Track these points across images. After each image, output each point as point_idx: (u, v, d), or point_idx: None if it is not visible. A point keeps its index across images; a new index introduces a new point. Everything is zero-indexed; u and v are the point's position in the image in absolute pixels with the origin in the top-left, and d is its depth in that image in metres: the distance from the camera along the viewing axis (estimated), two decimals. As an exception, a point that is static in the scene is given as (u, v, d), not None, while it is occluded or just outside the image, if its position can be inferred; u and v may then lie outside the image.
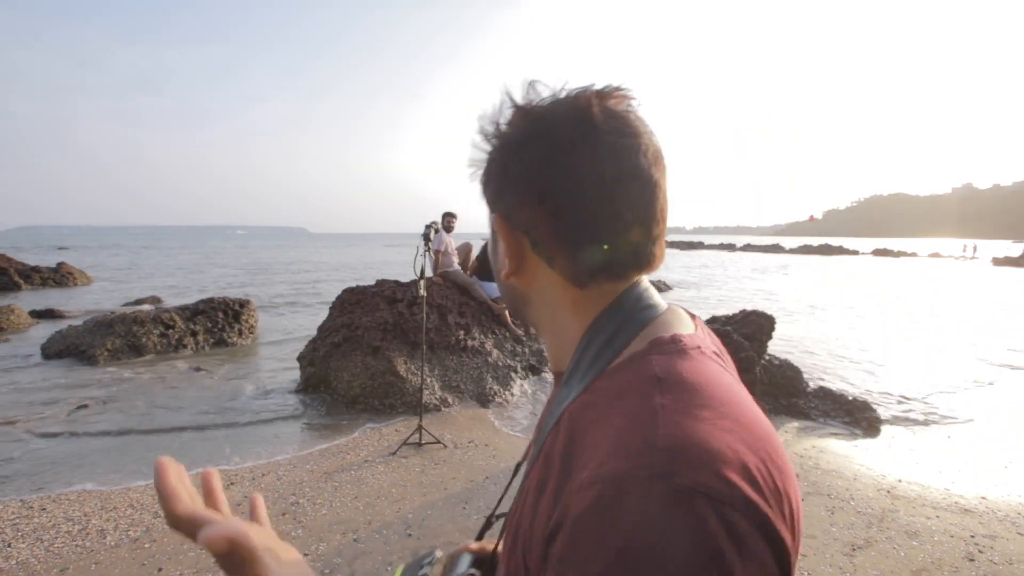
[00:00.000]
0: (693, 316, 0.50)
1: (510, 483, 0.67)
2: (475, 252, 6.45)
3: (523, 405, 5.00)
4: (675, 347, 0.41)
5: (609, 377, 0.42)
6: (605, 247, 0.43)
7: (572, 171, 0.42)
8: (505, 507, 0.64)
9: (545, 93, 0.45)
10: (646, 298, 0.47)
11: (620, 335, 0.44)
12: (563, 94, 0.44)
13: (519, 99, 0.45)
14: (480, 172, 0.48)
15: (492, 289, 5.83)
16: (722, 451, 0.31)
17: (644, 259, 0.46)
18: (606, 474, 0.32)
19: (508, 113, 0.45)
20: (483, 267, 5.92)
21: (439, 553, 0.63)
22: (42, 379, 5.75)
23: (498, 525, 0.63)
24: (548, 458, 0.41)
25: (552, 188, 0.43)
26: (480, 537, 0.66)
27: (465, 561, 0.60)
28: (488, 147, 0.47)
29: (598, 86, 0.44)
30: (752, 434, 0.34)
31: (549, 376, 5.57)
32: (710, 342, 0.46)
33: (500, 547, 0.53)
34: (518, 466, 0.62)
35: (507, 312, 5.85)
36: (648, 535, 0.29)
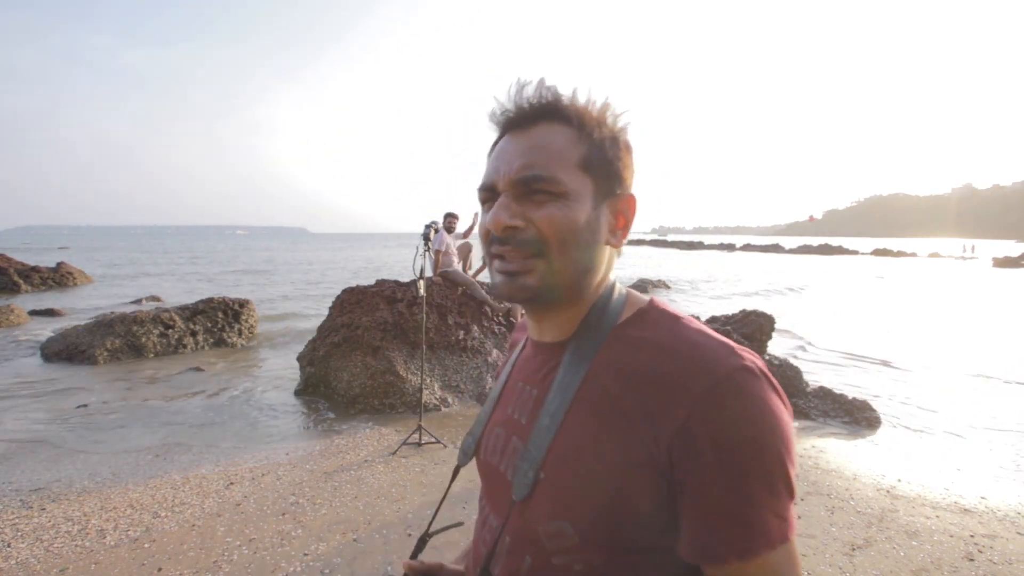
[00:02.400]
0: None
1: (446, 494, 0.76)
2: (475, 253, 6.43)
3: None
4: (662, 301, 0.59)
5: (643, 319, 0.56)
6: None
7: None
8: (441, 523, 0.71)
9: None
10: None
11: (619, 297, 0.59)
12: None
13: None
14: (598, 142, 0.56)
15: None
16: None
17: None
18: (724, 372, 0.47)
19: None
20: None
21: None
22: (42, 379, 5.75)
23: (442, 539, 0.67)
24: (612, 399, 0.51)
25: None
26: (415, 556, 0.67)
27: None
28: (601, 125, 0.57)
29: None
30: None
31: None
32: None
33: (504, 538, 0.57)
34: (456, 471, 0.70)
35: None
36: (767, 396, 0.47)
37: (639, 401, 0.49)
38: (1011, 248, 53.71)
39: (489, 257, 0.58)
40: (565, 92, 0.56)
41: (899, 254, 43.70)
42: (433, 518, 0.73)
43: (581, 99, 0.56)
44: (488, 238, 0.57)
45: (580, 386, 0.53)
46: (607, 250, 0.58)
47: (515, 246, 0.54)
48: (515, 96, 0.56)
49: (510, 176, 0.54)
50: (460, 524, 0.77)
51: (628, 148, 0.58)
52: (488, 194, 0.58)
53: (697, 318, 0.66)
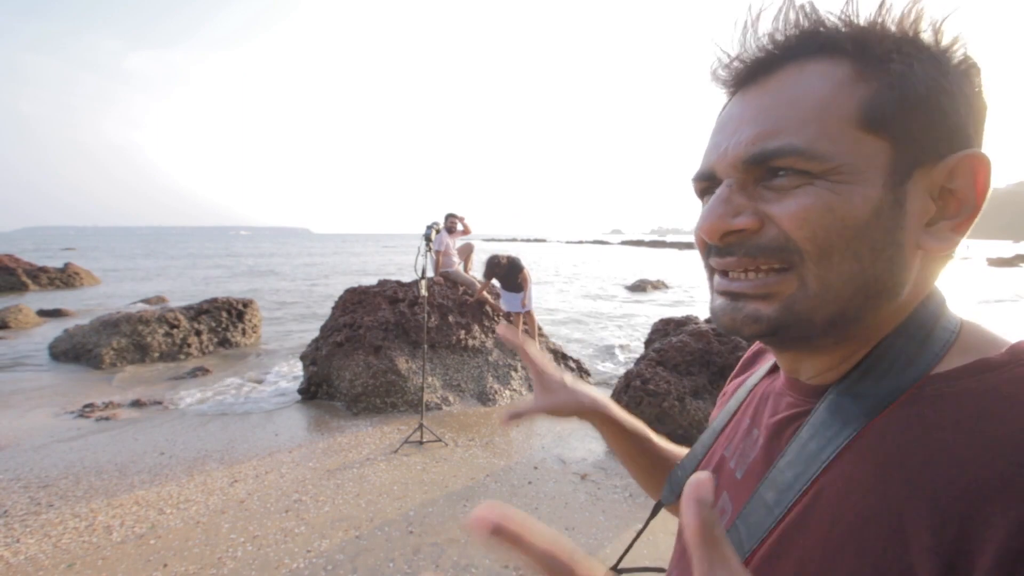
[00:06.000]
0: None
1: (640, 534, 0.58)
2: (475, 255, 6.45)
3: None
4: None
5: (961, 383, 0.31)
6: None
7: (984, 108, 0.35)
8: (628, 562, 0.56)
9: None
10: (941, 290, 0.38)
11: (936, 334, 0.34)
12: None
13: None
14: (901, 73, 0.33)
15: (511, 301, 5.70)
16: None
17: None
18: None
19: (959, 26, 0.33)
20: (505, 277, 5.69)
21: None
22: (49, 378, 5.82)
23: None
24: (858, 490, 0.31)
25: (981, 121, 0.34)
26: None
27: None
28: (921, 47, 0.33)
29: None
30: None
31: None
32: None
33: None
34: (656, 508, 0.53)
35: (521, 332, 5.71)
36: None
37: (934, 521, 0.27)
38: (1005, 249, 53.03)
39: (708, 271, 0.40)
40: (829, 8, 0.34)
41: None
42: (626, 551, 0.58)
43: (862, 9, 0.34)
44: (704, 247, 0.39)
45: (832, 461, 0.33)
46: (916, 256, 0.34)
47: (747, 256, 0.36)
48: (745, 37, 0.36)
49: (737, 153, 0.36)
50: (660, 571, 0.55)
51: (970, 75, 0.33)
52: (706, 184, 0.39)
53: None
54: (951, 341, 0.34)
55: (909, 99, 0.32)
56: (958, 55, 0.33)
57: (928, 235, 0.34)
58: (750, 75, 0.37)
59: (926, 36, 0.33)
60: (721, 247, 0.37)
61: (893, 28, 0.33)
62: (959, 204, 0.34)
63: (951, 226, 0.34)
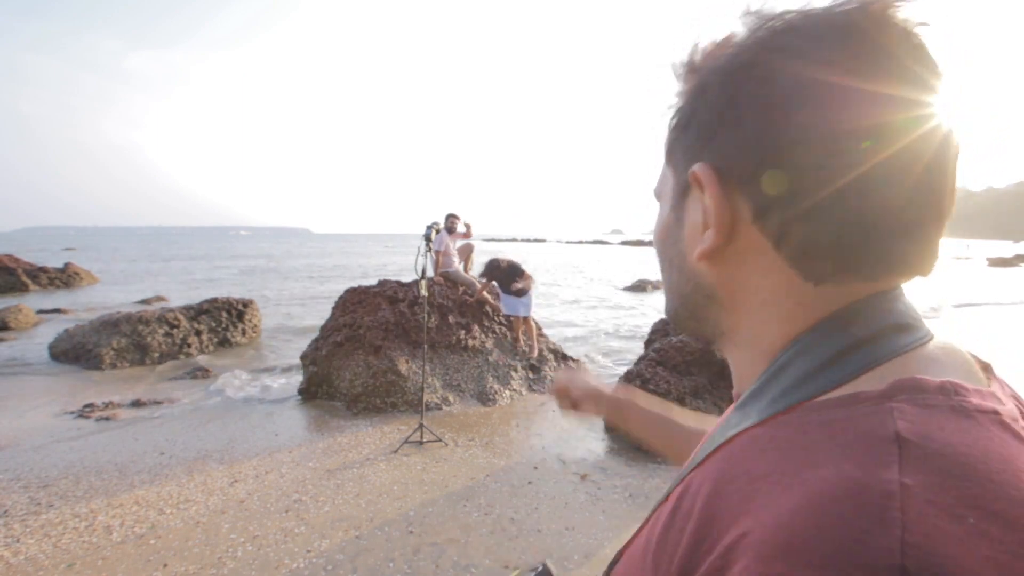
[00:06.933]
0: (984, 364, 0.33)
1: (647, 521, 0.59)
2: (475, 256, 6.44)
3: (523, 404, 5.02)
4: (946, 400, 0.26)
5: (809, 414, 0.29)
6: (864, 230, 0.30)
7: (842, 109, 0.29)
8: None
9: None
10: (900, 315, 0.32)
11: (848, 360, 0.30)
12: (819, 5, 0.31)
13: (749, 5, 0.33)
14: (676, 109, 0.37)
15: (511, 304, 5.70)
16: None
17: (912, 258, 0.31)
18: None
19: (738, 24, 0.33)
20: (504, 280, 5.64)
21: (552, 568, 0.56)
22: (49, 378, 5.82)
23: None
24: (687, 494, 0.31)
25: (804, 133, 0.29)
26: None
27: None
28: (691, 73, 0.35)
29: None
30: None
31: (552, 374, 5.59)
32: (1014, 407, 0.29)
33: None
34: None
35: (520, 333, 5.75)
36: None
37: (696, 524, 0.28)
38: (1005, 249, 53.03)
39: None
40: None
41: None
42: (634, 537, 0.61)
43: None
44: None
45: (695, 468, 0.33)
46: (704, 264, 0.35)
47: None
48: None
49: None
50: None
51: (758, 73, 0.31)
52: None
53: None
54: (866, 367, 0.29)
55: (674, 123, 0.37)
56: (723, 76, 0.33)
57: (700, 243, 0.35)
58: None
59: (705, 59, 0.35)
60: None
61: (695, 58, 0.36)
62: (705, 213, 0.35)
63: (711, 232, 0.34)
